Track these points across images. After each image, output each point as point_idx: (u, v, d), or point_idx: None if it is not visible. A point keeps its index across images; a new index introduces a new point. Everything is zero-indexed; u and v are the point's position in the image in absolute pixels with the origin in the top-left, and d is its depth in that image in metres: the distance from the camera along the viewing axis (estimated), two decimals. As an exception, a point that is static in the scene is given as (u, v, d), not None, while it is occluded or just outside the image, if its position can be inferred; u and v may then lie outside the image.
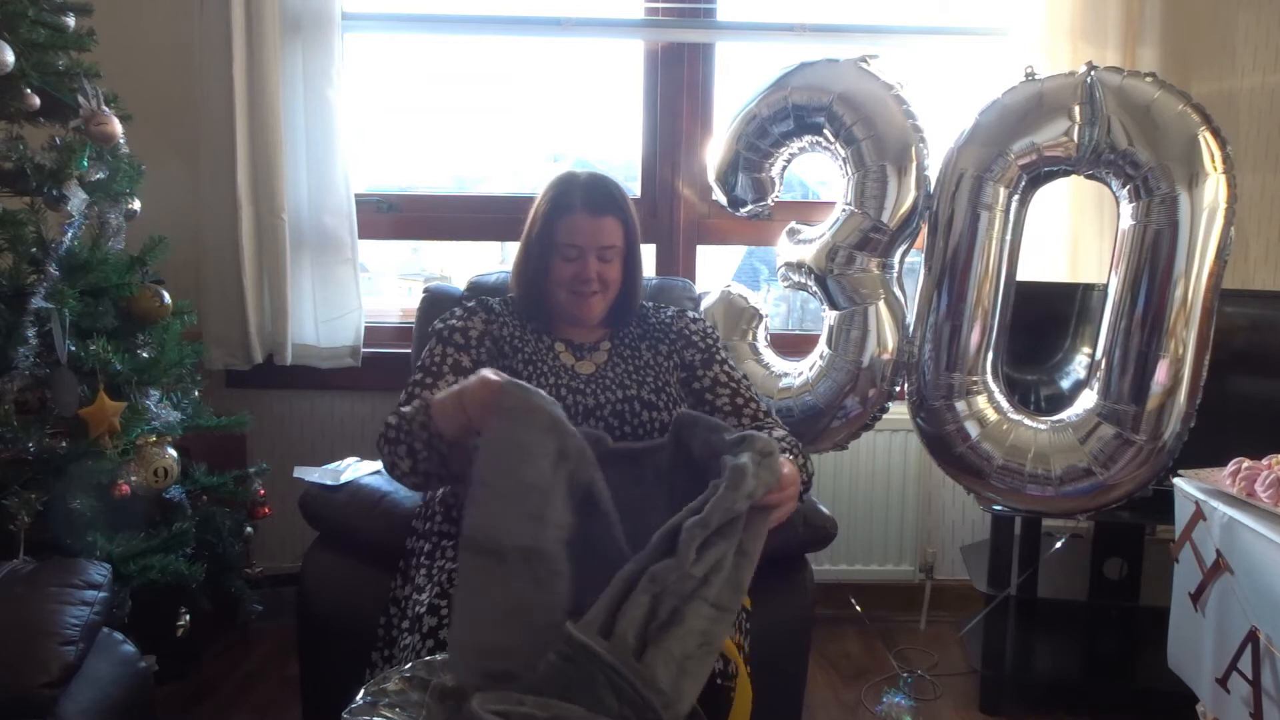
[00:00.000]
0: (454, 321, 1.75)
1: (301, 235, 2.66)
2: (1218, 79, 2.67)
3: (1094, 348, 2.17)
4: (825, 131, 2.23)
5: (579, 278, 1.71)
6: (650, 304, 1.87)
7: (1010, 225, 2.16)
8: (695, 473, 1.37)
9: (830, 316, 2.29)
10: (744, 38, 2.87)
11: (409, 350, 2.51)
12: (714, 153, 2.38)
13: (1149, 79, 2.07)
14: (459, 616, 1.26)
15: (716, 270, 3.02)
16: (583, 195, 1.71)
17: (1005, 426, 2.17)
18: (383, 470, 2.10)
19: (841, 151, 2.22)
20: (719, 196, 2.42)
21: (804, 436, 2.31)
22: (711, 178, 2.40)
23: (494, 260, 3.08)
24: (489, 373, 1.38)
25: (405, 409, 1.56)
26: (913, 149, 2.18)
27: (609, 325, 1.80)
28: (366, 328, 2.75)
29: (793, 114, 2.23)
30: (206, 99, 2.57)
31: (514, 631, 1.23)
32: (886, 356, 2.24)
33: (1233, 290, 2.15)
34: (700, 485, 1.30)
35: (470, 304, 1.80)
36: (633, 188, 2.90)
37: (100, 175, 2.06)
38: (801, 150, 2.32)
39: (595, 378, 1.72)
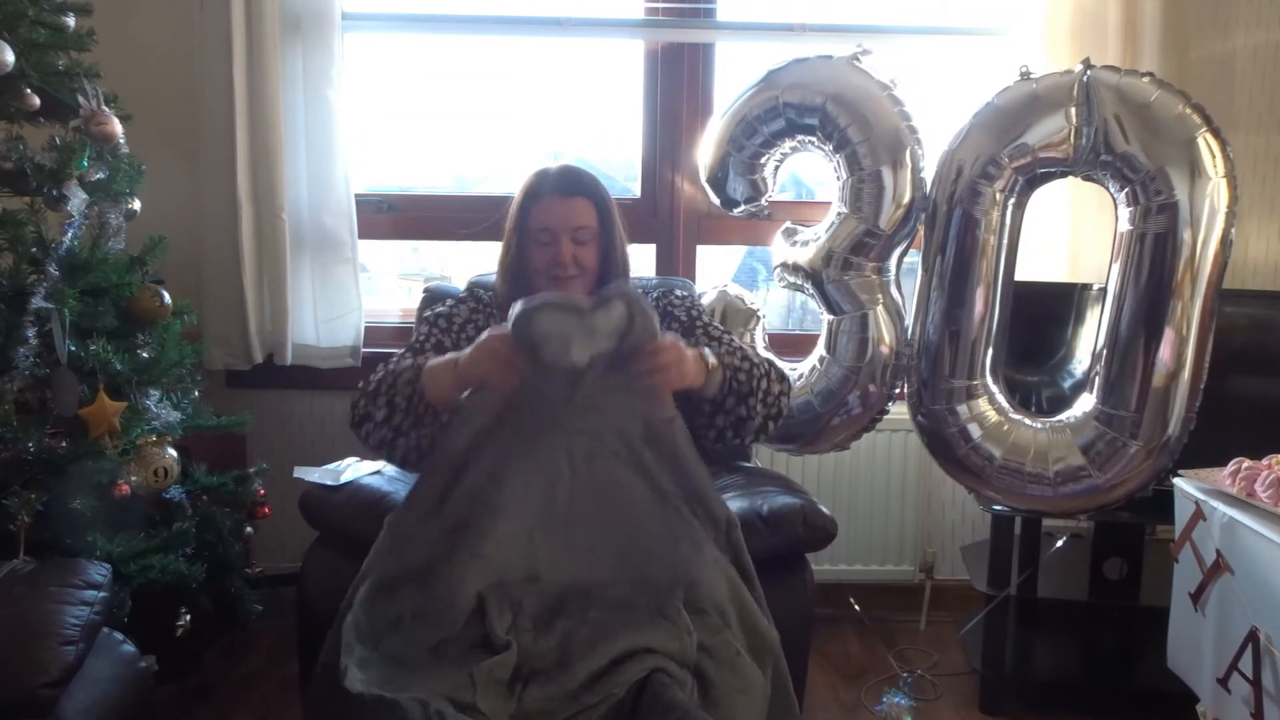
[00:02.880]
0: (441, 309, 1.82)
1: (301, 235, 2.66)
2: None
3: (1093, 347, 2.17)
4: (818, 133, 2.21)
5: (555, 262, 1.72)
6: (638, 289, 1.88)
7: (1007, 227, 2.14)
8: None
9: (828, 320, 2.28)
10: (744, 38, 2.86)
11: (409, 350, 2.51)
12: (704, 153, 2.36)
13: (1146, 78, 2.04)
14: None
15: (716, 270, 3.01)
16: (552, 181, 1.75)
17: (1006, 427, 2.16)
18: (383, 470, 2.10)
19: (835, 154, 2.21)
20: (712, 198, 2.41)
21: (803, 438, 2.31)
22: (703, 178, 2.39)
23: (494, 260, 3.07)
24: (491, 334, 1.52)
25: (393, 365, 1.65)
26: (907, 151, 2.16)
27: None
28: (366, 328, 2.75)
29: (784, 114, 2.21)
30: (206, 99, 2.57)
31: None
32: (885, 360, 2.23)
33: (1233, 290, 2.15)
34: None
35: (462, 294, 1.86)
36: (633, 188, 2.90)
37: (100, 175, 2.07)
38: (794, 149, 2.30)
39: None
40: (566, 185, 1.74)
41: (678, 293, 1.92)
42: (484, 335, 1.53)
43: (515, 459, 1.55)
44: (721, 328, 1.86)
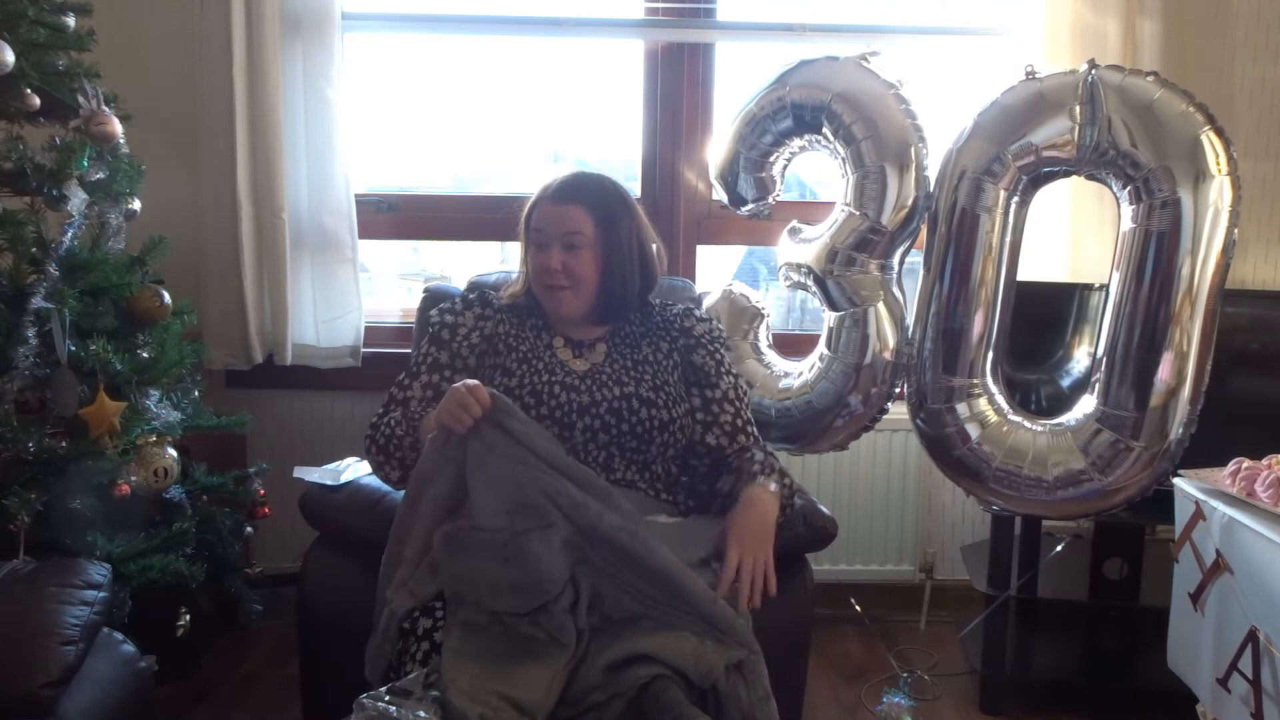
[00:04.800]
0: (447, 316, 1.78)
1: (301, 235, 2.66)
2: (1219, 62, 2.64)
3: (1094, 346, 2.16)
4: (825, 130, 2.22)
5: (544, 268, 1.71)
6: (657, 301, 1.86)
7: (1010, 227, 2.14)
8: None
9: (829, 318, 2.28)
10: (744, 38, 2.87)
11: (409, 350, 2.51)
12: (715, 151, 2.37)
13: (1150, 78, 2.05)
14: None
15: (716, 270, 3.01)
16: (555, 186, 1.74)
17: (1005, 429, 2.16)
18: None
19: (841, 151, 2.21)
20: (720, 195, 2.42)
21: (804, 437, 2.32)
22: (713, 176, 2.40)
23: (494, 260, 3.08)
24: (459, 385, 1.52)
25: (393, 422, 1.68)
26: (912, 149, 2.17)
27: (602, 323, 1.79)
28: (366, 328, 2.75)
29: (791, 112, 2.22)
30: (206, 99, 2.57)
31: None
32: (886, 358, 2.23)
33: (1233, 290, 2.14)
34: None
35: (471, 296, 1.83)
36: (633, 188, 2.89)
37: (100, 175, 2.06)
38: (802, 149, 2.31)
39: (591, 374, 1.72)
40: (563, 191, 1.73)
41: (696, 312, 1.86)
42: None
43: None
44: (742, 382, 1.84)
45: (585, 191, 1.73)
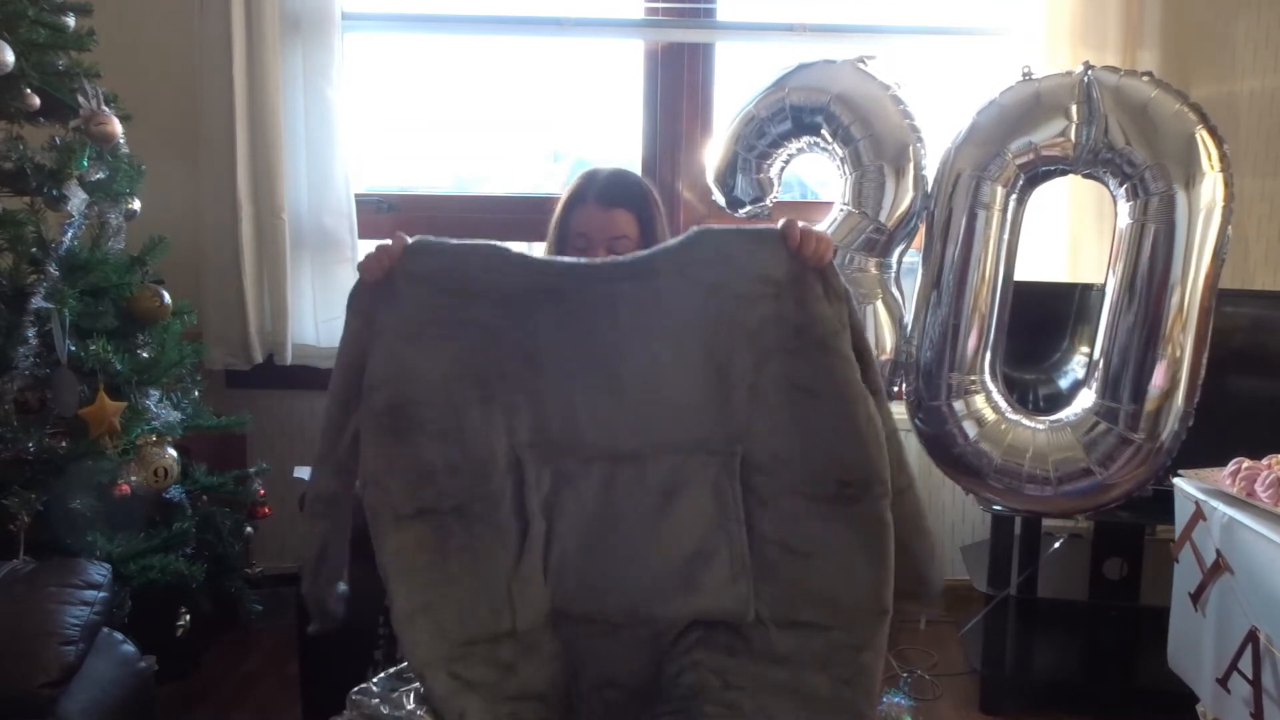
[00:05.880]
0: None
1: (301, 235, 2.66)
2: (1217, 81, 2.66)
3: (1092, 347, 2.17)
4: (823, 132, 2.23)
5: None
6: None
7: (1008, 225, 2.15)
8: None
9: (829, 317, 2.28)
10: (744, 38, 2.87)
11: (409, 350, 2.51)
12: (713, 154, 2.37)
13: (1145, 78, 2.07)
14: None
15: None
16: (598, 187, 1.72)
17: (1003, 426, 2.17)
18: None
19: (839, 151, 2.22)
20: (718, 197, 2.42)
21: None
22: (710, 178, 2.40)
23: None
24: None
25: None
26: (910, 149, 2.18)
27: None
28: (366, 328, 2.75)
29: (790, 114, 2.23)
30: (206, 99, 2.57)
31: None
32: (884, 357, 2.23)
33: (1233, 290, 2.15)
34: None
35: None
36: (633, 188, 2.89)
37: (100, 175, 2.07)
38: (800, 151, 2.32)
39: None
40: (610, 194, 1.71)
41: None
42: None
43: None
44: None
45: (630, 195, 1.72)
